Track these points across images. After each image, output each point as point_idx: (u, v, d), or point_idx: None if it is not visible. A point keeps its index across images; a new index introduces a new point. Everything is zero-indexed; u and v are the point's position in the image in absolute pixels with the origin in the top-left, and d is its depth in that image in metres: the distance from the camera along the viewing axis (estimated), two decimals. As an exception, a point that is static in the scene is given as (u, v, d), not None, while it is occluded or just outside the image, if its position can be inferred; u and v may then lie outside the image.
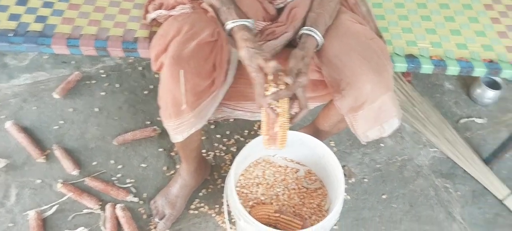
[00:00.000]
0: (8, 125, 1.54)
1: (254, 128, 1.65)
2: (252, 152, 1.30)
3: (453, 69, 1.17)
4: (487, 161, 1.62)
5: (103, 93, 1.70)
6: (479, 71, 1.18)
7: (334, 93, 1.04)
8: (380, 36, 1.18)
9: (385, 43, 1.18)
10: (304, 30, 1.02)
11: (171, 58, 0.95)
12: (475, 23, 1.31)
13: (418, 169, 1.61)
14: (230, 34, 1.02)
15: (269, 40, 1.07)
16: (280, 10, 1.13)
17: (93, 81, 1.74)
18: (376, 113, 1.03)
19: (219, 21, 1.03)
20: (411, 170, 1.60)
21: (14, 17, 1.18)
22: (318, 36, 1.01)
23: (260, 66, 0.94)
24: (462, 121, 1.76)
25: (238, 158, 1.20)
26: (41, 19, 1.18)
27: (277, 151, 1.37)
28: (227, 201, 1.20)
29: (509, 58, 1.21)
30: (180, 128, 1.04)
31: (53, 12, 1.21)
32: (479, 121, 1.76)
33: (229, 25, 1.00)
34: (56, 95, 1.65)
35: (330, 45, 1.03)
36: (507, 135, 1.71)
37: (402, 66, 1.17)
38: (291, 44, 1.08)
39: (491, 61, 1.20)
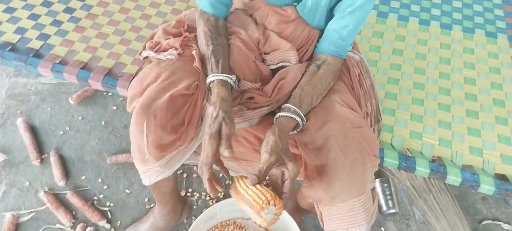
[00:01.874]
0: (19, 121, 1.61)
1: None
2: (222, 212, 1.22)
3: (453, 179, 1.00)
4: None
5: (115, 107, 1.73)
6: (487, 189, 0.99)
7: (304, 179, 0.94)
8: (379, 120, 1.05)
9: (380, 130, 1.05)
10: (286, 110, 0.92)
11: (140, 106, 0.91)
12: (503, 125, 1.12)
13: (418, 266, 1.42)
14: (210, 87, 0.96)
15: (247, 104, 0.99)
16: (275, 71, 1.05)
17: (110, 94, 1.78)
18: (343, 214, 0.91)
19: (204, 73, 0.98)
20: (410, 266, 1.42)
21: (20, 30, 1.22)
22: (300, 119, 0.91)
23: (217, 133, 0.86)
24: (485, 222, 1.52)
25: (201, 217, 1.14)
26: (43, 37, 1.21)
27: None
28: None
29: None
30: (148, 173, 1.02)
31: (57, 31, 1.24)
32: (506, 226, 1.51)
33: (210, 78, 0.94)
34: (71, 101, 1.71)
35: (309, 126, 0.92)
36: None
37: (392, 162, 1.03)
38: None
39: (504, 177, 1.01)
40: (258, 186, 0.82)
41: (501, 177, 1.02)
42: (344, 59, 1.03)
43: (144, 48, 1.09)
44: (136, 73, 1.13)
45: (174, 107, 0.91)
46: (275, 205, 0.80)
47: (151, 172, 1.00)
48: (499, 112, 1.15)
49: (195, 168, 1.55)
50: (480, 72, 1.25)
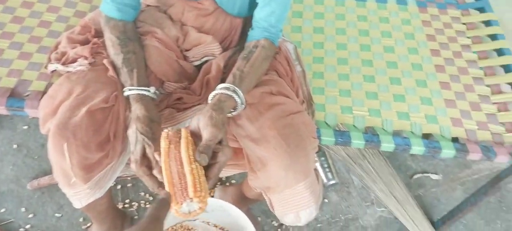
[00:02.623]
0: None
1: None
2: (167, 218, 1.16)
3: (386, 146, 1.04)
4: (437, 225, 1.50)
5: (26, 127, 1.55)
6: (417, 149, 1.04)
7: (248, 171, 0.91)
8: (311, 104, 1.05)
9: (314, 111, 1.05)
10: (223, 88, 0.83)
11: (55, 127, 0.81)
12: (423, 87, 1.18)
13: (362, 230, 1.48)
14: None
15: (177, 106, 0.93)
16: (200, 67, 1.00)
17: (19, 111, 1.60)
18: (291, 199, 0.90)
19: (121, 82, 0.89)
20: (355, 231, 1.48)
21: None
22: (240, 99, 0.83)
23: (143, 157, 0.79)
24: (416, 176, 1.63)
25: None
26: None
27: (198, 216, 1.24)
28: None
29: (452, 133, 1.08)
30: (77, 196, 0.92)
31: None
32: (434, 177, 1.64)
33: (126, 92, 0.86)
34: (-28, 128, 1.51)
35: (246, 119, 0.88)
36: (460, 194, 1.60)
37: (329, 140, 1.04)
38: None
39: (431, 136, 1.07)
40: (193, 164, 0.71)
41: (428, 136, 1.08)
42: (277, 46, 0.99)
43: (50, 60, 0.97)
44: (46, 90, 1.01)
45: (95, 123, 0.83)
46: (200, 202, 0.69)
47: (80, 195, 0.92)
48: (418, 75, 1.21)
49: (129, 178, 1.46)
50: (397, 39, 1.30)
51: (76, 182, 0.87)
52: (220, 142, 0.76)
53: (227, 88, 0.83)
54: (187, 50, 0.99)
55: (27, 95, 1.01)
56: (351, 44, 1.28)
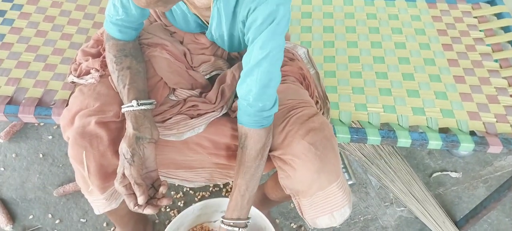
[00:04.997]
0: None
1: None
2: (186, 220, 1.19)
3: (403, 142, 1.04)
4: (459, 225, 1.47)
5: (50, 137, 1.62)
6: (435, 144, 1.04)
7: (278, 169, 0.93)
8: (326, 103, 1.06)
9: (330, 109, 1.07)
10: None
11: (73, 136, 0.85)
12: (437, 82, 1.18)
13: (382, 230, 1.47)
14: None
15: (190, 113, 0.95)
16: (210, 78, 1.03)
17: (42, 124, 1.66)
18: (324, 201, 0.91)
19: None
20: (375, 231, 1.47)
21: None
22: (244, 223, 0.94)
23: (121, 177, 0.81)
24: (435, 174, 1.62)
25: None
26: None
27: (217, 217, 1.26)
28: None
29: (469, 127, 1.08)
30: (95, 204, 0.96)
31: (-30, 67, 1.12)
32: (454, 175, 1.62)
33: (123, 109, 0.86)
34: (0, 140, 1.57)
35: (276, 129, 0.90)
36: (483, 192, 1.57)
37: (345, 137, 1.05)
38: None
39: (448, 130, 1.07)
40: None
41: (445, 131, 1.07)
42: (268, 126, 0.88)
43: (70, 72, 1.02)
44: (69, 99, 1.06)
45: (110, 133, 0.86)
46: None
47: (98, 203, 0.95)
48: (432, 70, 1.21)
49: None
50: (408, 35, 1.30)
51: (93, 190, 0.91)
52: None
53: (229, 224, 0.93)
54: (195, 67, 1.01)
55: (53, 104, 1.06)
56: (361, 41, 1.29)
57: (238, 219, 0.93)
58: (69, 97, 1.07)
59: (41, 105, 1.06)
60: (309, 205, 0.92)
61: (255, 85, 0.80)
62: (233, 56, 1.07)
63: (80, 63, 0.99)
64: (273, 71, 0.81)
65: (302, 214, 0.97)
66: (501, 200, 1.27)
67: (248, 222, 0.94)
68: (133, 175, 0.79)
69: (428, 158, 1.66)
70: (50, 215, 1.42)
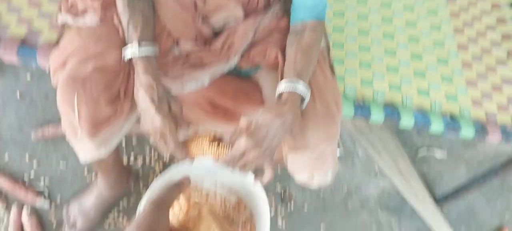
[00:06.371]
0: None
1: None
2: (175, 177, 1.15)
3: (406, 123, 1.03)
4: (439, 201, 1.52)
5: (29, 77, 1.50)
6: (437, 128, 1.03)
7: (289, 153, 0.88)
8: (333, 73, 1.02)
9: (336, 80, 1.02)
10: (285, 86, 0.80)
11: (66, 78, 0.78)
12: (444, 66, 1.15)
13: (364, 200, 1.50)
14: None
15: (194, 65, 0.89)
16: (217, 33, 0.95)
17: (21, 59, 1.54)
18: (312, 160, 0.88)
19: None
20: (357, 201, 1.49)
21: None
22: (305, 89, 0.80)
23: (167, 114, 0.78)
24: (421, 151, 1.64)
25: (154, 185, 1.06)
26: None
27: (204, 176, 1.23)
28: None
29: (471, 114, 1.07)
30: (83, 151, 0.90)
31: None
32: (439, 154, 1.64)
33: (128, 54, 0.80)
34: (-27, 74, 1.45)
35: None
36: (464, 173, 1.61)
37: (348, 112, 1.02)
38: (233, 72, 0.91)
39: (452, 116, 1.06)
40: None
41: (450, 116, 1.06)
42: (323, 22, 0.90)
43: (60, 10, 0.92)
44: (58, 41, 0.96)
45: (105, 79, 0.80)
46: None
47: (85, 150, 0.89)
48: (440, 53, 1.18)
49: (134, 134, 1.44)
50: (420, 14, 1.26)
51: (82, 136, 0.85)
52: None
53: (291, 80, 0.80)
54: (206, 17, 0.93)
55: (39, 45, 0.96)
56: (372, 15, 1.23)
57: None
58: (57, 39, 0.97)
59: (26, 44, 0.96)
60: (296, 159, 0.88)
61: None
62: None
63: (74, 2, 0.89)
64: None
65: (286, 162, 0.92)
66: (485, 184, 1.31)
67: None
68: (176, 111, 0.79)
69: (416, 135, 1.68)
70: (27, 157, 1.35)
